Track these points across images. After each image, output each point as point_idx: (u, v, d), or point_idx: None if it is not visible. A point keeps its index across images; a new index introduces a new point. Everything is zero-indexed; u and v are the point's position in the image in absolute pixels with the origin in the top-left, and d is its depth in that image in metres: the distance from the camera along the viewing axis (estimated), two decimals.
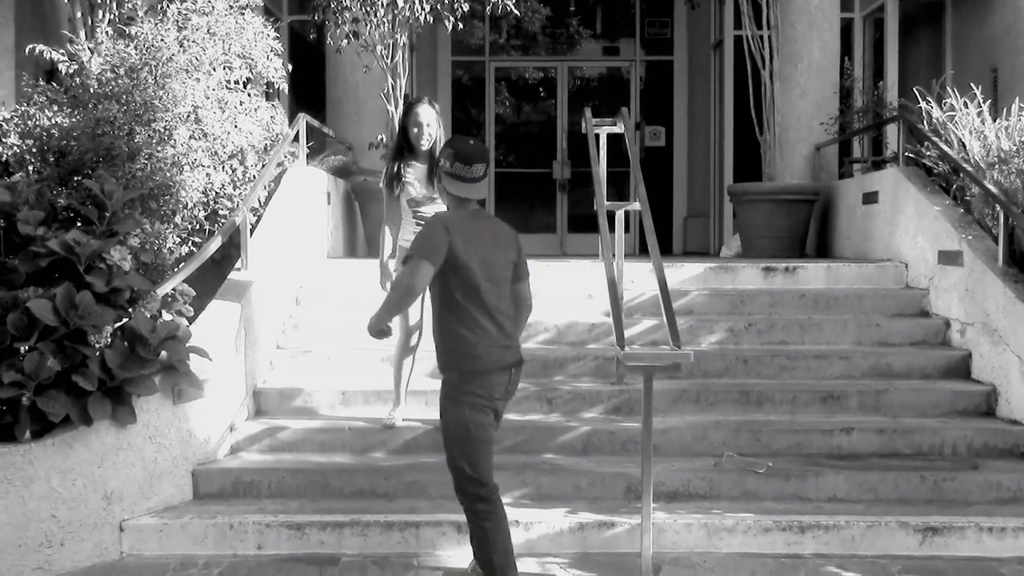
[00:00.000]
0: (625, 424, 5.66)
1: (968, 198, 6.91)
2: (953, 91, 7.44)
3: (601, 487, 5.15)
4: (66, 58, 6.81)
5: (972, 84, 7.56)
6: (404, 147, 5.54)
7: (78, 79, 6.66)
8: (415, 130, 5.46)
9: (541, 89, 13.88)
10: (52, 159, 6.16)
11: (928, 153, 7.43)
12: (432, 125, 5.48)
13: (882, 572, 4.56)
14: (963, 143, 7.03)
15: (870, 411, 5.92)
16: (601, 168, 6.62)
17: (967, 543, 4.78)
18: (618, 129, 6.75)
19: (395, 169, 5.51)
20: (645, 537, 4.42)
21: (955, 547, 4.77)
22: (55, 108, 6.40)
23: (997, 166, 6.55)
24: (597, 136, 6.79)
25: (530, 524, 4.80)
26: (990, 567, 4.63)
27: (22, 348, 4.58)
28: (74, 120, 6.24)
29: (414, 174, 5.50)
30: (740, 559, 4.71)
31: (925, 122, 7.49)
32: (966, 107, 7.20)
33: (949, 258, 6.63)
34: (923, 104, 7.57)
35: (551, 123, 13.68)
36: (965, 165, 6.76)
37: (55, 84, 6.79)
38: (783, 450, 5.55)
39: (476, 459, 3.95)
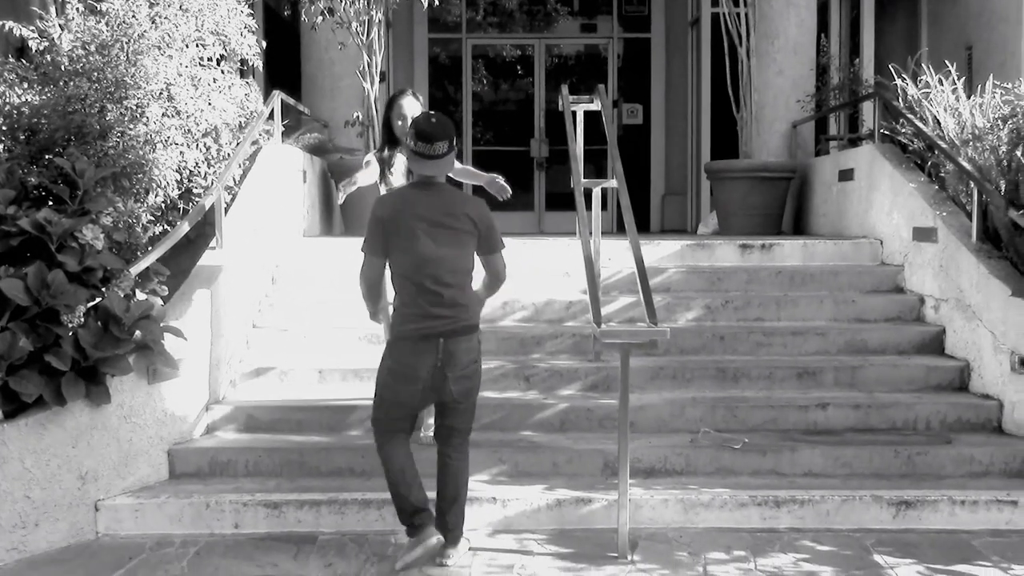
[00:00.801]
0: (602, 401, 5.68)
1: (943, 175, 6.94)
2: (928, 68, 7.46)
3: (578, 464, 5.17)
4: (36, 35, 6.69)
5: (947, 61, 7.58)
6: (390, 139, 5.50)
7: (48, 56, 6.55)
8: (399, 123, 5.42)
9: (518, 67, 13.81)
10: (22, 137, 6.07)
11: (903, 130, 7.45)
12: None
13: (856, 545, 4.61)
14: (938, 120, 7.06)
15: (845, 387, 5.96)
16: (578, 146, 6.60)
17: (940, 516, 4.84)
18: (595, 106, 6.72)
19: (384, 157, 5.46)
20: (622, 513, 4.45)
21: (928, 520, 4.83)
22: (25, 86, 6.29)
23: (971, 143, 6.58)
24: (574, 113, 6.76)
25: (507, 501, 4.82)
26: (963, 540, 4.69)
27: None
28: (45, 98, 6.14)
29: (399, 164, 5.47)
30: (716, 534, 4.75)
31: (900, 99, 7.51)
32: (941, 84, 7.22)
33: (923, 234, 6.67)
34: (899, 81, 7.59)
35: (528, 101, 13.61)
36: (940, 142, 6.79)
37: (25, 61, 6.68)
38: (759, 426, 5.59)
39: (381, 411, 4.23)
